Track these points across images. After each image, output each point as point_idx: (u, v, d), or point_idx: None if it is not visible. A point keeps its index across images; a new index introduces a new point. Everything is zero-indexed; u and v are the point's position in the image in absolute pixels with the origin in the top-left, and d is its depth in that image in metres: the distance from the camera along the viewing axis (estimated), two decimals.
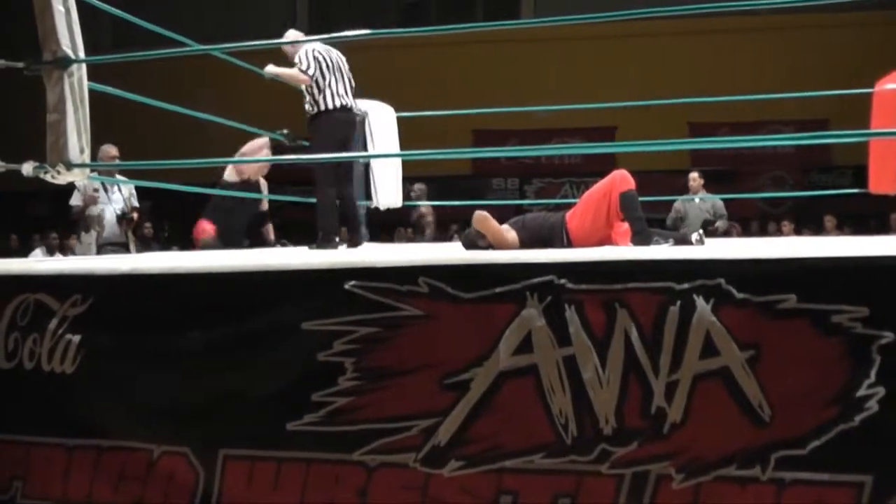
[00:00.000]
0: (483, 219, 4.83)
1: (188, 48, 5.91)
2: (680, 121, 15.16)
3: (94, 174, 7.40)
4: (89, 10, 4.35)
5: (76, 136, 4.05)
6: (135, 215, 8.12)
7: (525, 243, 4.85)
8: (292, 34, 6.22)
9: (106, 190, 7.78)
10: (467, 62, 16.89)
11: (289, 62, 5.99)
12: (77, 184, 7.38)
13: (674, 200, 10.64)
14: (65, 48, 4.03)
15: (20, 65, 4.11)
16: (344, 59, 6.12)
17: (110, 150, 7.73)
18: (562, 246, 4.84)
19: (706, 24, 14.32)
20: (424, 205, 10.09)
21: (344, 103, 5.96)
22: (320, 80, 5.89)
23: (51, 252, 11.46)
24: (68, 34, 4.06)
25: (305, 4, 18.92)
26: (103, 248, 7.73)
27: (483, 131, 16.61)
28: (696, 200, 9.22)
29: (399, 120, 7.72)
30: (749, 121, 15.50)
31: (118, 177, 7.66)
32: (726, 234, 11.03)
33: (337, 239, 5.90)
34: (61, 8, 4.05)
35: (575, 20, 4.28)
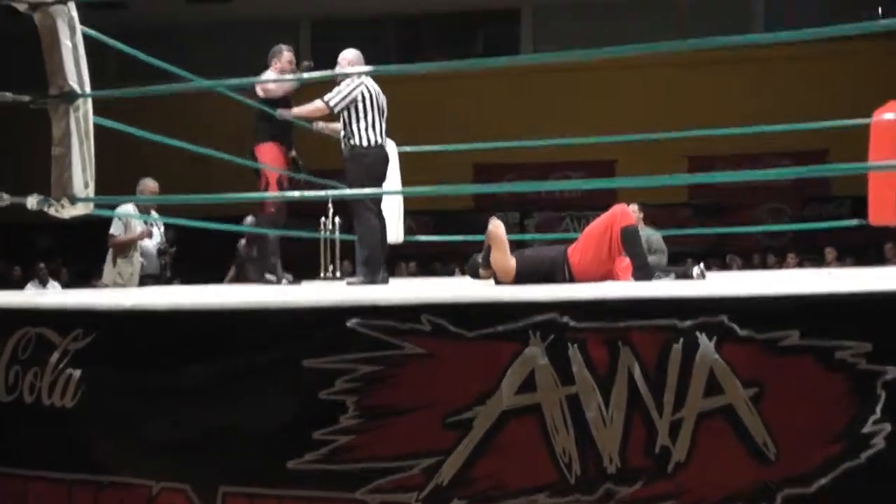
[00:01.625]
0: (496, 228, 5.00)
1: (192, 83, 5.95)
2: (679, 154, 15.21)
3: (132, 209, 7.52)
4: (94, 43, 4.37)
5: (80, 169, 4.08)
6: (173, 250, 8.24)
7: (524, 276, 4.87)
8: (351, 54, 6.33)
9: (146, 224, 7.93)
10: (467, 96, 16.98)
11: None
12: (118, 212, 7.53)
13: (675, 235, 10.64)
14: (71, 83, 4.07)
15: (26, 98, 4.13)
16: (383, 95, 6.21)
17: (150, 183, 7.83)
18: (563, 280, 4.85)
19: (704, 56, 14.41)
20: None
21: (381, 141, 6.05)
22: (363, 115, 5.98)
23: (43, 283, 11.46)
24: (75, 69, 4.10)
25: (308, 38, 19.09)
26: (143, 280, 7.82)
27: (484, 165, 16.68)
28: None
29: (400, 154, 7.75)
30: (748, 153, 15.56)
31: (153, 213, 7.80)
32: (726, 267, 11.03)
33: (383, 273, 5.90)
34: (69, 43, 4.09)
35: (574, 55, 4.31)
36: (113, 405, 3.18)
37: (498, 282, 5.07)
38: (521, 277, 4.92)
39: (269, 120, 6.53)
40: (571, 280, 4.87)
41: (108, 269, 7.88)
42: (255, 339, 3.06)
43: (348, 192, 5.99)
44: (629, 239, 4.83)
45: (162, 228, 8.12)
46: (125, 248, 7.82)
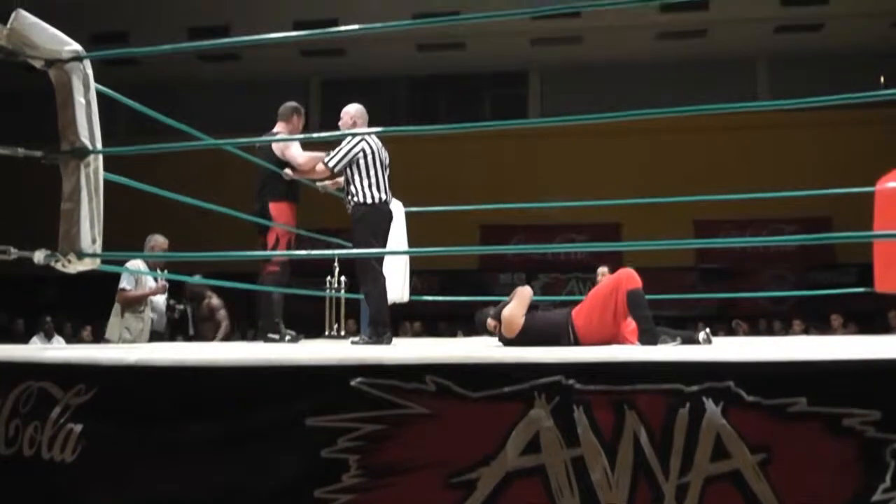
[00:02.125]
0: (527, 288, 5.19)
1: (201, 142, 5.98)
2: (685, 217, 15.27)
3: (142, 265, 7.54)
4: (105, 99, 4.41)
5: (89, 225, 4.08)
6: (181, 307, 8.25)
7: (528, 335, 4.89)
8: (354, 109, 6.34)
9: (156, 280, 7.87)
10: (475, 158, 17.08)
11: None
12: (129, 266, 7.47)
13: (681, 298, 10.63)
14: (83, 139, 4.09)
15: (38, 154, 4.16)
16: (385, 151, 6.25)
17: (160, 240, 7.84)
18: (568, 342, 4.84)
19: (711, 121, 14.50)
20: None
21: (385, 198, 6.07)
22: (365, 173, 6.00)
23: (48, 337, 11.45)
24: (87, 125, 4.12)
25: (318, 96, 19.28)
26: (151, 336, 7.81)
27: (490, 226, 16.72)
28: None
29: (407, 214, 7.77)
30: (753, 218, 15.61)
31: (159, 270, 7.86)
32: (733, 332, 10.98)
33: (389, 332, 5.88)
34: (82, 100, 4.12)
35: (581, 119, 4.34)
36: (113, 460, 3.15)
37: (501, 336, 5.10)
38: (526, 335, 4.95)
39: (281, 178, 6.55)
40: (576, 342, 4.86)
41: (113, 325, 7.73)
42: (258, 396, 3.04)
43: (355, 251, 5.98)
44: (635, 301, 4.83)
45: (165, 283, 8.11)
46: (136, 302, 7.71)
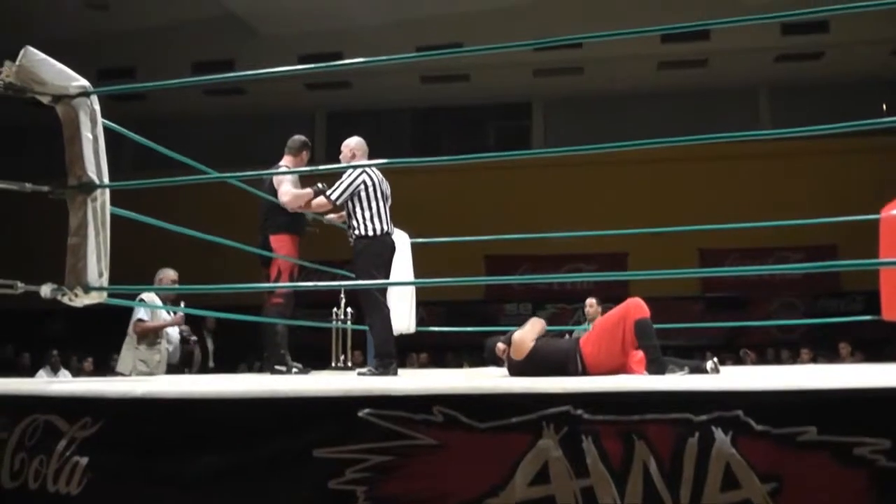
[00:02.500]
0: (542, 320, 5.31)
1: (206, 175, 6.01)
2: (690, 247, 15.29)
3: (156, 299, 7.57)
4: (111, 133, 4.43)
5: (95, 259, 4.09)
6: (195, 339, 8.27)
7: (536, 359, 4.91)
8: (354, 142, 6.40)
9: (170, 313, 7.89)
10: (479, 188, 17.12)
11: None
12: (145, 298, 7.55)
13: (688, 327, 10.60)
14: (90, 173, 4.11)
15: (45, 188, 4.17)
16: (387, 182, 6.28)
17: (171, 273, 7.87)
18: (575, 369, 4.85)
19: (716, 150, 14.56)
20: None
21: (387, 229, 6.11)
22: (367, 205, 6.03)
23: (55, 370, 11.44)
24: (94, 160, 4.15)
25: (323, 129, 19.36)
26: (167, 368, 7.82)
27: (495, 256, 16.73)
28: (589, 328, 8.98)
29: (412, 245, 7.78)
30: (759, 247, 15.60)
31: (170, 303, 7.89)
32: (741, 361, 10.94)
33: (395, 363, 5.88)
34: (89, 135, 4.15)
35: (585, 150, 4.35)
36: (119, 493, 3.14)
37: (509, 360, 5.13)
38: (533, 359, 5.00)
39: (282, 211, 6.57)
40: (584, 370, 4.87)
41: (125, 358, 7.66)
42: (265, 428, 3.03)
43: (361, 283, 6.00)
44: (643, 331, 4.83)
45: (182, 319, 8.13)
46: (152, 334, 7.68)
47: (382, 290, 6.10)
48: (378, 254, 6.04)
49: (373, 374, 5.76)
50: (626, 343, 4.87)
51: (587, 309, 9.35)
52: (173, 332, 7.99)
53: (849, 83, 17.34)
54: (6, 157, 18.17)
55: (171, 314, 7.80)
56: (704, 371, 4.78)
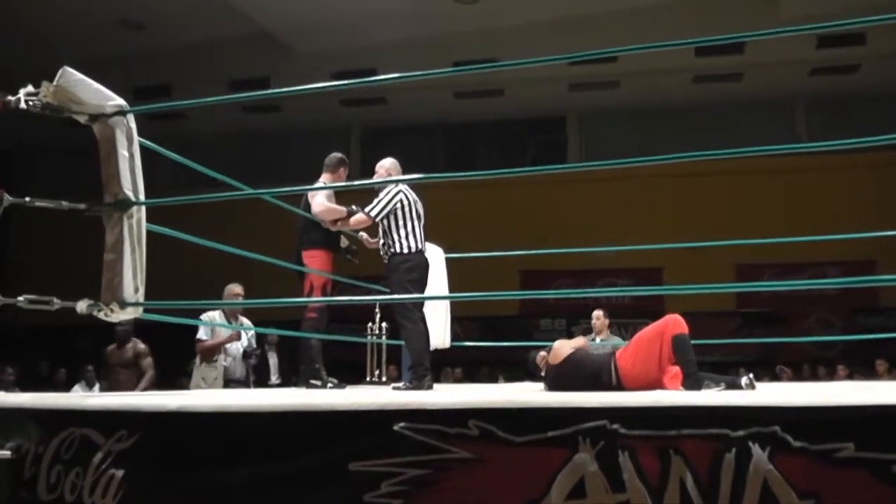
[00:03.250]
0: (581, 338, 5.61)
1: (243, 192, 6.07)
2: (726, 262, 15.15)
3: (217, 316, 7.65)
4: (147, 151, 4.48)
5: (131, 275, 4.13)
6: (258, 352, 8.33)
7: (569, 367, 4.98)
8: (389, 163, 6.49)
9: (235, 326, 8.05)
10: (515, 203, 17.09)
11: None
12: (204, 318, 7.76)
13: (724, 343, 10.51)
14: (126, 191, 4.15)
15: (82, 206, 4.22)
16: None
17: (235, 288, 8.00)
18: (609, 381, 4.86)
19: (752, 164, 14.44)
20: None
21: (421, 247, 6.23)
22: (403, 223, 6.13)
23: (90, 385, 11.54)
24: (130, 177, 4.20)
25: (358, 144, 19.42)
26: (227, 383, 7.94)
27: (531, 271, 16.68)
28: (598, 341, 8.89)
29: (447, 260, 7.79)
30: (795, 262, 15.45)
31: (241, 317, 8.13)
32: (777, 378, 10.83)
33: (429, 378, 5.91)
34: (126, 153, 4.20)
35: (621, 163, 4.34)
36: None
37: (546, 367, 5.19)
38: (568, 364, 5.07)
39: (316, 227, 6.62)
40: (618, 381, 4.87)
41: (194, 376, 7.98)
42: (301, 441, 3.05)
43: (397, 297, 6.04)
44: (680, 346, 4.82)
45: (249, 333, 8.25)
46: (211, 352, 7.89)
47: (418, 305, 6.13)
48: (413, 270, 6.11)
49: (408, 388, 5.79)
50: (663, 358, 4.86)
51: (594, 322, 9.30)
52: (232, 347, 8.07)
53: (886, 95, 17.15)
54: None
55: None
56: (740, 387, 4.74)
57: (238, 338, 8.00)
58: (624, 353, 5.01)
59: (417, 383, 5.77)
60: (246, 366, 8.20)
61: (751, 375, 4.86)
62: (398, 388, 5.96)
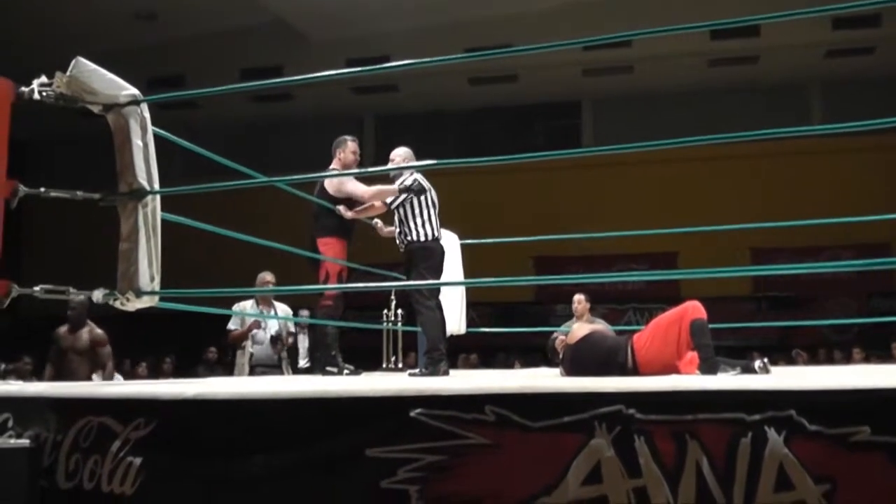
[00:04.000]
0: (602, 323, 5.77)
1: (255, 180, 6.08)
2: (741, 246, 15.10)
3: (249, 305, 7.96)
4: (161, 140, 4.49)
5: (147, 264, 4.16)
6: (290, 339, 8.47)
7: (586, 346, 5.06)
8: (403, 151, 6.55)
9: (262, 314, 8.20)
10: (529, 189, 17.08)
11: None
12: (236, 308, 8.06)
13: (739, 327, 10.47)
14: (140, 180, 4.17)
15: (97, 196, 4.24)
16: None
17: (266, 276, 8.12)
18: (624, 362, 4.91)
19: (766, 147, 14.37)
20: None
21: (437, 235, 6.30)
22: (419, 211, 6.21)
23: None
24: (145, 167, 4.22)
25: (372, 132, 19.42)
26: (255, 368, 8.05)
27: (545, 257, 16.67)
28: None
29: (462, 247, 7.80)
30: (810, 245, 15.38)
31: (275, 303, 8.33)
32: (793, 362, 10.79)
33: (445, 365, 5.94)
34: (140, 143, 4.22)
35: (635, 148, 4.32)
36: (172, 492, 3.19)
37: (564, 346, 5.29)
38: (584, 344, 5.17)
39: (330, 214, 6.62)
40: (633, 364, 4.89)
41: (236, 362, 8.25)
42: (317, 428, 3.06)
43: (412, 283, 6.06)
44: (698, 331, 4.83)
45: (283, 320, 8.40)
46: (239, 340, 8.16)
47: (434, 292, 6.16)
48: (429, 257, 6.15)
49: (424, 374, 5.82)
50: (682, 343, 4.87)
51: (575, 306, 9.28)
52: (260, 334, 8.14)
53: None
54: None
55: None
56: (754, 371, 4.74)
57: (258, 325, 8.06)
58: (641, 336, 5.04)
59: (433, 368, 5.80)
60: (276, 351, 8.24)
61: (765, 359, 4.86)
62: (414, 375, 6.00)
